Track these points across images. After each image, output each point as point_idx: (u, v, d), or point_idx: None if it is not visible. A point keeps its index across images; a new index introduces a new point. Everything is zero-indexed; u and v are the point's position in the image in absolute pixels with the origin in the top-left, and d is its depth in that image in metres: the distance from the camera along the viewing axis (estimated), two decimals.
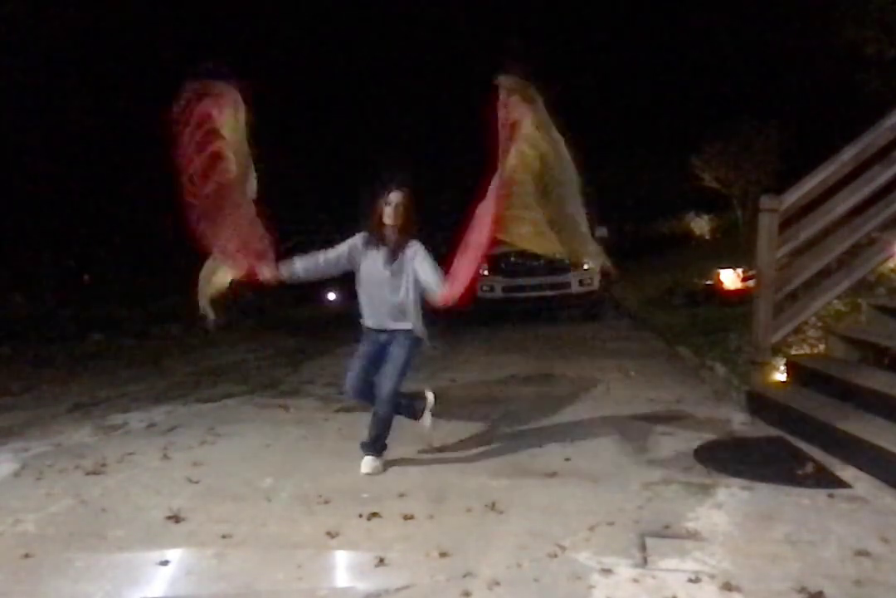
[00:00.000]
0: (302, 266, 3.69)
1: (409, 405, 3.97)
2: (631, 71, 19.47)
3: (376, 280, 3.67)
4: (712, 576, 2.47)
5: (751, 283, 6.66)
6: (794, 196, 4.61)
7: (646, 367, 6.27)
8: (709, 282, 10.15)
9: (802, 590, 2.36)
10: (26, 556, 2.81)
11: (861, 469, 3.41)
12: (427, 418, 4.03)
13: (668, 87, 18.62)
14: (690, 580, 2.44)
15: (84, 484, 3.65)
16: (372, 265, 3.67)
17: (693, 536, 2.80)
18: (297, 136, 15.50)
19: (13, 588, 2.58)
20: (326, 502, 3.31)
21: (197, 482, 3.63)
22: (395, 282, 3.64)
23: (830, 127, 9.90)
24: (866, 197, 4.70)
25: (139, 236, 14.27)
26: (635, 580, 2.46)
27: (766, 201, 4.58)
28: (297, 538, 2.93)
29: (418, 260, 3.61)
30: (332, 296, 17.78)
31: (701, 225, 21.17)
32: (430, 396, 4.09)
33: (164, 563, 2.73)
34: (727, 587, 2.39)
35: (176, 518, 3.14)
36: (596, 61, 19.15)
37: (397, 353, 3.68)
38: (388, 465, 3.79)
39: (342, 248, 3.73)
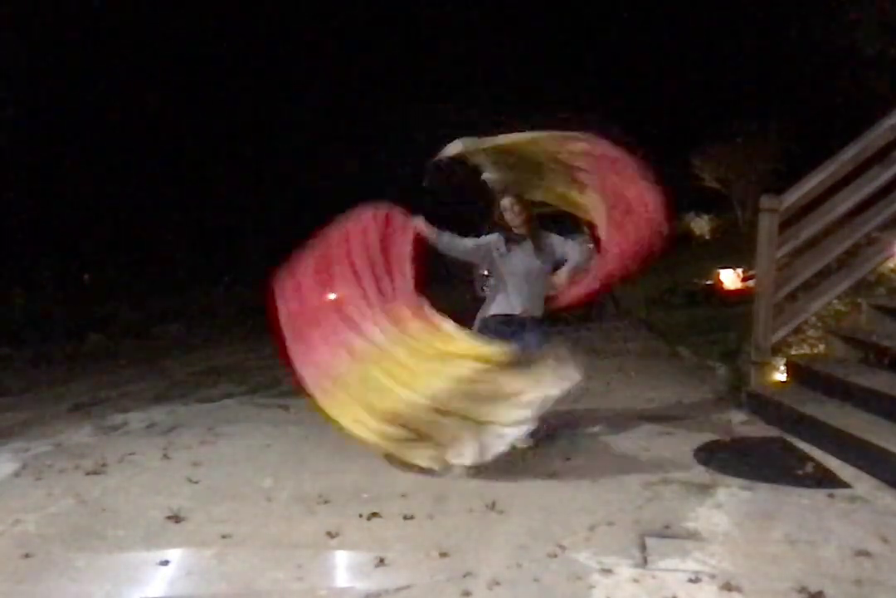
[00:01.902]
0: (447, 237, 4.00)
1: None
2: (631, 71, 19.45)
3: (524, 271, 4.02)
4: (712, 576, 2.47)
5: (751, 283, 6.66)
6: (794, 196, 4.60)
7: (646, 367, 6.26)
8: (709, 282, 10.15)
9: (802, 590, 2.36)
10: (26, 556, 2.81)
11: (861, 469, 3.41)
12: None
13: (669, 86, 18.61)
14: (690, 580, 2.44)
15: (84, 484, 3.65)
16: (520, 260, 4.01)
17: (693, 536, 2.80)
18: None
19: (13, 588, 2.58)
20: (326, 502, 3.31)
21: (197, 482, 3.63)
22: (542, 272, 4.05)
23: (830, 127, 9.89)
24: (866, 197, 4.70)
25: (139, 236, 14.28)
26: (635, 580, 2.46)
27: (766, 201, 4.57)
28: (297, 538, 2.93)
29: (568, 245, 4.04)
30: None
31: (701, 225, 21.14)
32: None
33: (164, 563, 2.73)
34: (727, 587, 2.39)
35: (176, 518, 3.14)
36: (596, 61, 19.15)
37: (536, 337, 4.12)
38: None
39: (483, 243, 4.04)
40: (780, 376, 4.79)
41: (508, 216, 3.99)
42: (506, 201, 3.98)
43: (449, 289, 7.09)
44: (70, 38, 11.84)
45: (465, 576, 2.54)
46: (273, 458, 4.05)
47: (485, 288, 9.86)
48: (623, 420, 4.54)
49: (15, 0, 10.82)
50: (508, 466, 3.74)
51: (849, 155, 4.59)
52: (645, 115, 19.30)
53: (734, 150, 16.80)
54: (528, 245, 4.01)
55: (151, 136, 13.75)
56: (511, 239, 4.02)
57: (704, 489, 3.29)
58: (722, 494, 3.23)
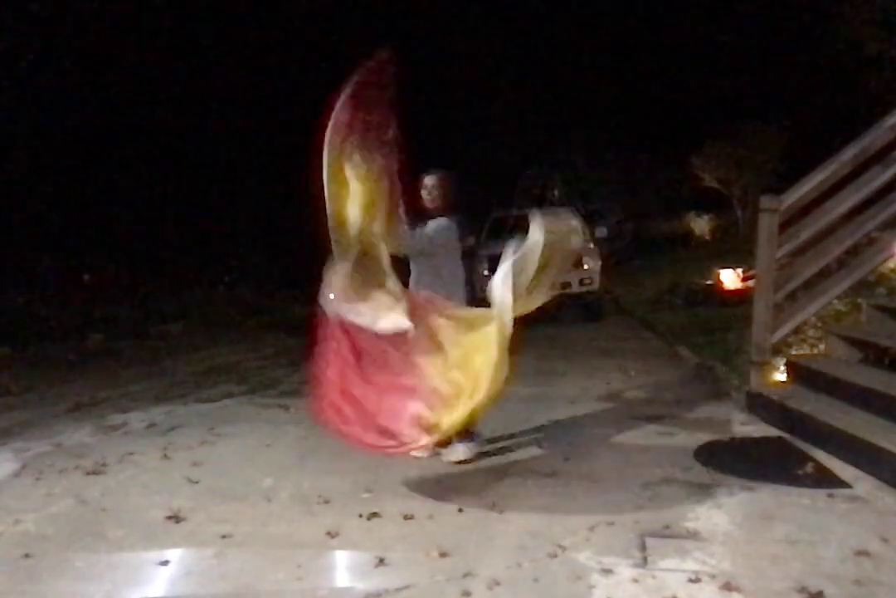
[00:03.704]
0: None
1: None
2: (631, 71, 19.48)
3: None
4: (712, 576, 2.47)
5: (751, 283, 6.66)
6: (794, 196, 4.60)
7: (646, 367, 6.26)
8: (709, 282, 10.16)
9: (802, 590, 2.36)
10: (26, 556, 2.81)
11: (861, 469, 3.41)
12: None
13: (669, 87, 18.63)
14: (690, 580, 2.44)
15: (84, 484, 3.65)
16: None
17: (693, 536, 2.80)
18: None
19: (13, 588, 2.58)
20: (326, 502, 3.31)
21: (197, 482, 3.63)
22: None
23: (830, 127, 9.90)
24: (866, 197, 4.70)
25: (139, 236, 14.27)
26: (635, 580, 2.46)
27: (766, 201, 4.57)
28: (297, 538, 2.93)
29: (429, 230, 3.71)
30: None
31: (701, 225, 21.19)
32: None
33: (164, 563, 2.73)
34: (727, 587, 2.39)
35: (176, 518, 3.14)
36: (597, 61, 19.17)
37: None
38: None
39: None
40: (780, 375, 4.79)
41: (424, 195, 3.82)
42: (429, 180, 3.81)
43: None
44: (74, 37, 11.85)
45: (465, 576, 2.54)
46: (273, 458, 4.06)
47: (484, 288, 9.86)
48: (623, 420, 4.54)
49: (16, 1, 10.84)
50: (508, 466, 3.75)
51: (849, 155, 4.59)
52: (646, 115, 19.34)
53: (734, 150, 16.83)
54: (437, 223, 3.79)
55: (152, 136, 13.76)
56: (418, 222, 3.79)
57: (704, 489, 3.29)
58: (722, 494, 3.23)
